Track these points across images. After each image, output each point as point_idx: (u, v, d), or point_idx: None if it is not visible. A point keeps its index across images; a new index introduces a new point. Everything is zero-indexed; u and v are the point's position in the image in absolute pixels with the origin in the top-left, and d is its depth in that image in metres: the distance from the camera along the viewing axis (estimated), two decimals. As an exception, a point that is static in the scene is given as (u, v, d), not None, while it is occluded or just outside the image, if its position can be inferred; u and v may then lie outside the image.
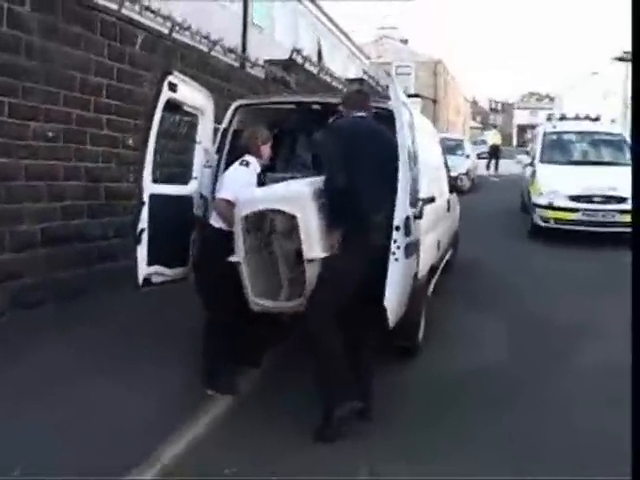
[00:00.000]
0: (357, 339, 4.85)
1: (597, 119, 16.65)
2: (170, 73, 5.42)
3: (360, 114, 5.11)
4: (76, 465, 4.03)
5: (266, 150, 5.61)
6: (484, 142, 36.51)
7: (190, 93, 5.76)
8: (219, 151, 6.22)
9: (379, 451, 4.42)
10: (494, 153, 32.43)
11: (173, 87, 5.40)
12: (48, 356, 5.78)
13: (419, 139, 5.65)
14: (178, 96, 5.53)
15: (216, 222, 5.30)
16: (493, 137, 33.90)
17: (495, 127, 67.78)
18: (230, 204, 5.13)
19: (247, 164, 5.39)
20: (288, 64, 16.15)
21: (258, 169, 5.48)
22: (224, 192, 5.26)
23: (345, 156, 4.72)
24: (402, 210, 4.82)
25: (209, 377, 5.29)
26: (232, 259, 5.01)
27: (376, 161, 4.82)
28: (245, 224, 5.00)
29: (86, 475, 3.90)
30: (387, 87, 5.59)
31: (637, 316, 3.87)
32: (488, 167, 31.78)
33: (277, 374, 5.78)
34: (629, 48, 4.68)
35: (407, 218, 4.80)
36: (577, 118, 16.72)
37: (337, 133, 5.10)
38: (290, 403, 5.03)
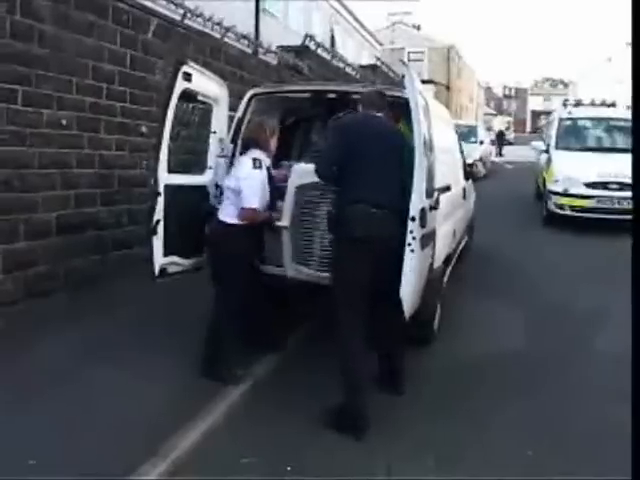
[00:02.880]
0: (386, 322, 4.95)
1: (613, 105, 16.47)
2: (184, 63, 5.37)
3: (374, 113, 5.05)
4: (87, 458, 4.03)
5: (273, 142, 5.58)
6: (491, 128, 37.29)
7: (205, 83, 5.72)
8: (234, 141, 6.18)
9: (396, 446, 4.37)
10: (500, 139, 33.19)
11: (188, 77, 5.37)
12: (60, 345, 5.78)
13: (435, 127, 5.60)
14: (193, 86, 5.49)
15: (229, 219, 5.24)
16: (499, 123, 34.71)
17: (501, 114, 67.83)
18: (256, 211, 5.19)
19: (260, 165, 5.26)
20: (301, 50, 16.07)
21: (268, 163, 5.44)
22: (251, 202, 5.15)
23: (341, 149, 4.73)
24: (418, 201, 4.77)
25: (209, 366, 5.31)
26: (279, 223, 5.39)
27: (377, 159, 4.73)
28: (296, 193, 5.46)
29: (98, 468, 3.89)
30: (403, 76, 5.51)
31: (638, 305, 3.84)
32: (500, 154, 32.08)
33: (296, 360, 5.76)
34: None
35: (423, 209, 4.76)
36: (593, 104, 16.55)
37: (339, 126, 5.07)
38: (308, 390, 5.01)
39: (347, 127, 4.97)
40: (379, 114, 5.03)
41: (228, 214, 5.24)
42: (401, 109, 5.28)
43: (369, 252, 4.56)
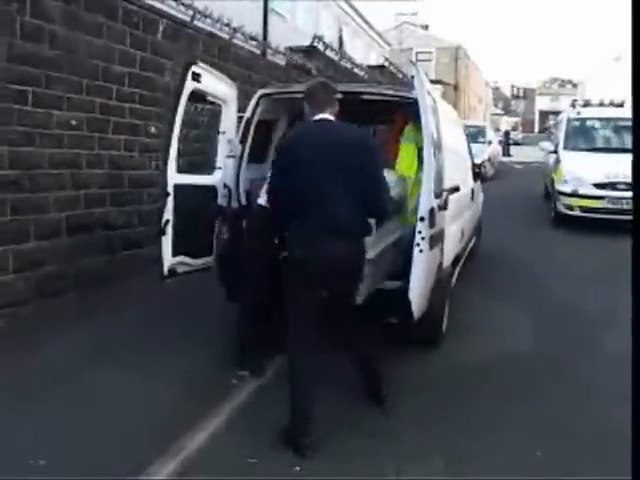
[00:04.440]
0: (349, 335, 4.71)
1: (621, 105, 16.40)
2: (194, 63, 5.40)
3: (323, 116, 4.40)
4: (95, 457, 4.04)
5: None
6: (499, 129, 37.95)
7: (214, 83, 5.74)
8: (242, 141, 6.20)
9: (405, 447, 4.37)
10: (506, 139, 33.54)
11: (197, 77, 5.39)
12: (69, 345, 5.83)
13: (444, 128, 5.61)
14: (202, 86, 5.51)
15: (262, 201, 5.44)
16: (505, 124, 35.22)
17: (506, 114, 67.97)
18: None
19: None
20: (309, 51, 16.14)
21: None
22: None
23: (288, 170, 4.34)
24: (427, 201, 4.78)
25: (239, 358, 5.43)
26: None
27: (322, 176, 4.20)
28: None
29: (106, 468, 3.90)
30: (412, 77, 5.51)
31: (638, 305, 3.83)
32: (504, 154, 32.26)
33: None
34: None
35: (432, 209, 4.76)
36: (601, 104, 16.49)
37: (280, 149, 4.69)
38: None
39: (287, 149, 4.49)
40: (328, 116, 4.42)
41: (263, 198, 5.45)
42: (410, 110, 5.30)
43: (311, 274, 4.24)
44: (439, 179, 5.08)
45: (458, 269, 7.19)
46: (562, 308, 7.41)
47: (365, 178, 4.25)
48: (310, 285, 4.27)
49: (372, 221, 4.52)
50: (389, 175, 5.09)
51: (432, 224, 4.81)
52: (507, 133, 36.10)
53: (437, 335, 6.14)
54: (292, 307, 4.34)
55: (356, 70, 20.80)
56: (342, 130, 4.43)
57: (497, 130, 36.23)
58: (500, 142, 30.16)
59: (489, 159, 20.75)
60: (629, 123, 14.29)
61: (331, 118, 4.43)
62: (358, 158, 4.25)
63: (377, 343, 5.17)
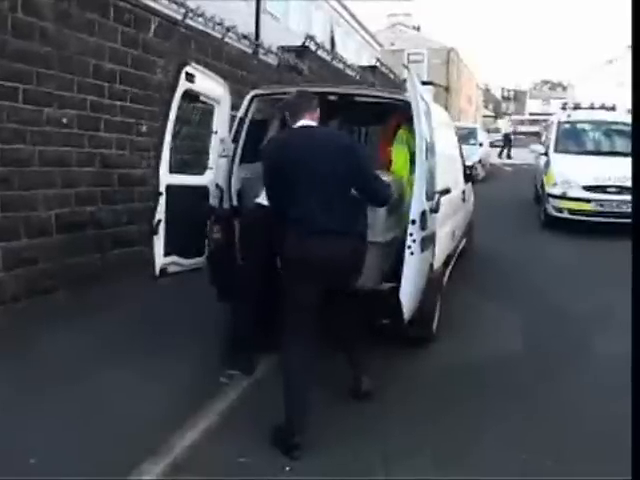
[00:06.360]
0: (337, 326, 4.83)
1: (612, 108, 16.48)
2: (187, 64, 5.39)
3: (304, 123, 4.48)
4: (86, 457, 4.03)
5: None
6: (498, 130, 37.40)
7: (207, 84, 5.73)
8: (235, 141, 6.20)
9: (395, 447, 4.38)
10: (507, 141, 33.19)
11: (190, 78, 5.38)
12: (60, 344, 5.79)
13: (436, 130, 5.62)
14: (195, 87, 5.49)
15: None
16: (504, 125, 34.55)
17: (507, 115, 67.86)
18: None
19: None
20: (301, 51, 16.11)
21: None
22: None
23: (273, 176, 4.45)
24: (418, 204, 4.79)
25: (229, 357, 5.42)
26: None
27: (317, 174, 4.27)
28: None
29: (98, 467, 3.89)
30: (404, 80, 5.53)
31: (638, 305, 3.85)
32: (500, 155, 32.21)
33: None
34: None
35: (423, 212, 4.77)
36: (592, 107, 16.57)
37: (266, 153, 4.71)
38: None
39: (272, 154, 4.57)
40: (309, 122, 4.50)
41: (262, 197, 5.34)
42: (403, 112, 5.30)
43: (307, 271, 4.30)
44: (431, 181, 5.09)
45: (449, 269, 7.22)
46: (551, 308, 7.45)
47: (356, 175, 4.36)
48: (308, 282, 4.32)
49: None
50: (384, 177, 5.08)
51: (423, 226, 4.82)
52: (507, 135, 35.09)
53: (428, 334, 6.17)
54: (290, 303, 4.37)
55: (348, 70, 20.80)
56: (324, 133, 4.63)
57: (488, 132, 35.87)
58: (492, 144, 30.08)
59: (480, 161, 20.78)
60: (619, 126, 14.45)
61: (312, 124, 4.52)
62: (344, 157, 4.34)
63: (368, 341, 5.20)
